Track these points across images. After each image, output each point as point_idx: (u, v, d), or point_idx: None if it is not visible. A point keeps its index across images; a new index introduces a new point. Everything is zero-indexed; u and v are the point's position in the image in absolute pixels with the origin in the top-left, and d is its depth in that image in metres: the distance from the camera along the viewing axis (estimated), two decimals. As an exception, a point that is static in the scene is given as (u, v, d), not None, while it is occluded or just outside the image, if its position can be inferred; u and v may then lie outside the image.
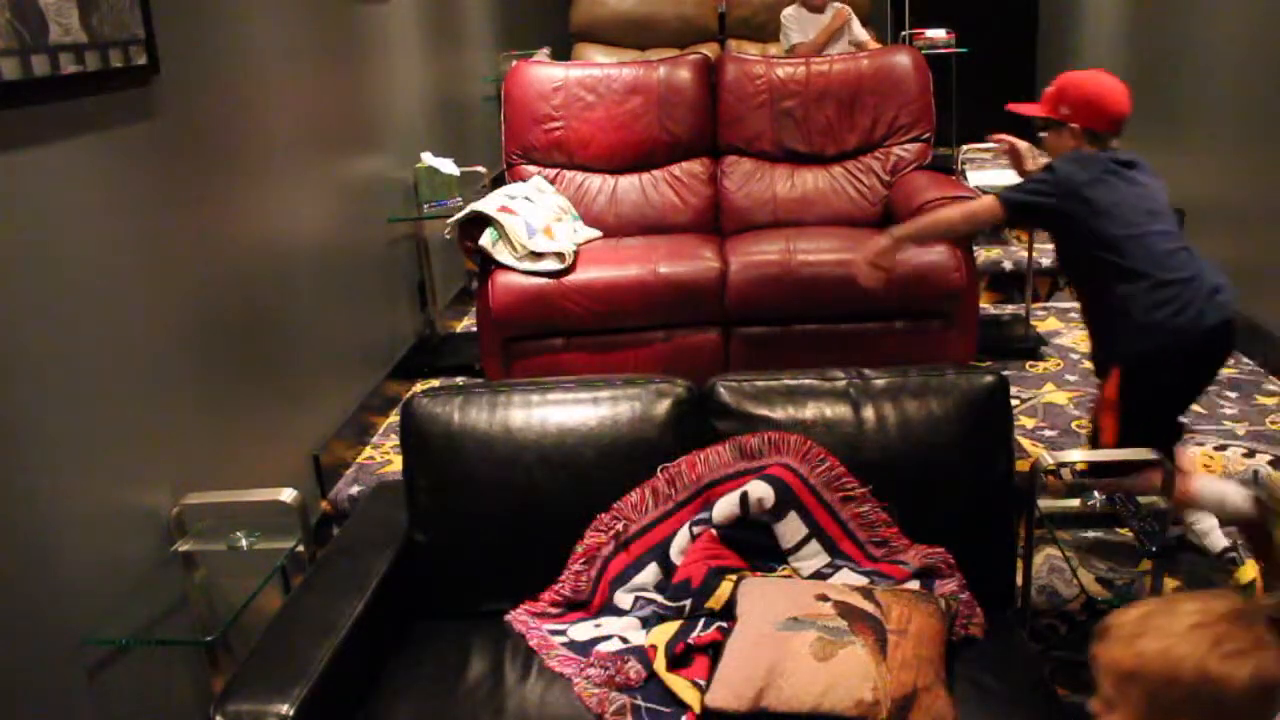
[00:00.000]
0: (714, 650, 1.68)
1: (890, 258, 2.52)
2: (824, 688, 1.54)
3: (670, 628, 1.76)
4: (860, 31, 5.25)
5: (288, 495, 2.12)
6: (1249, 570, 2.30)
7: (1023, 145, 2.64)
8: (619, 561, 1.89)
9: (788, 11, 5.29)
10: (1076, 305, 4.15)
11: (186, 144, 2.21)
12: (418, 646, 1.85)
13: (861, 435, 1.88)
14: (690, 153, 3.70)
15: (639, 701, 1.63)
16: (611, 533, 1.90)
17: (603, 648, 1.77)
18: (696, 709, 1.59)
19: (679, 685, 1.64)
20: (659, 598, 1.85)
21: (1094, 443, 2.39)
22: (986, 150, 4.24)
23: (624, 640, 1.79)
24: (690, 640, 1.69)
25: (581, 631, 1.83)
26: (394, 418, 3.34)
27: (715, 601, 1.76)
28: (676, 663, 1.68)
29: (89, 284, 1.85)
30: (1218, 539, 2.35)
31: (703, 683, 1.62)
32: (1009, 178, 3.67)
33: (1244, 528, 2.33)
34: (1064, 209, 2.29)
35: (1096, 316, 2.36)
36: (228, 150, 2.41)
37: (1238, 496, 2.25)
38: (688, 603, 1.79)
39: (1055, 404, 3.20)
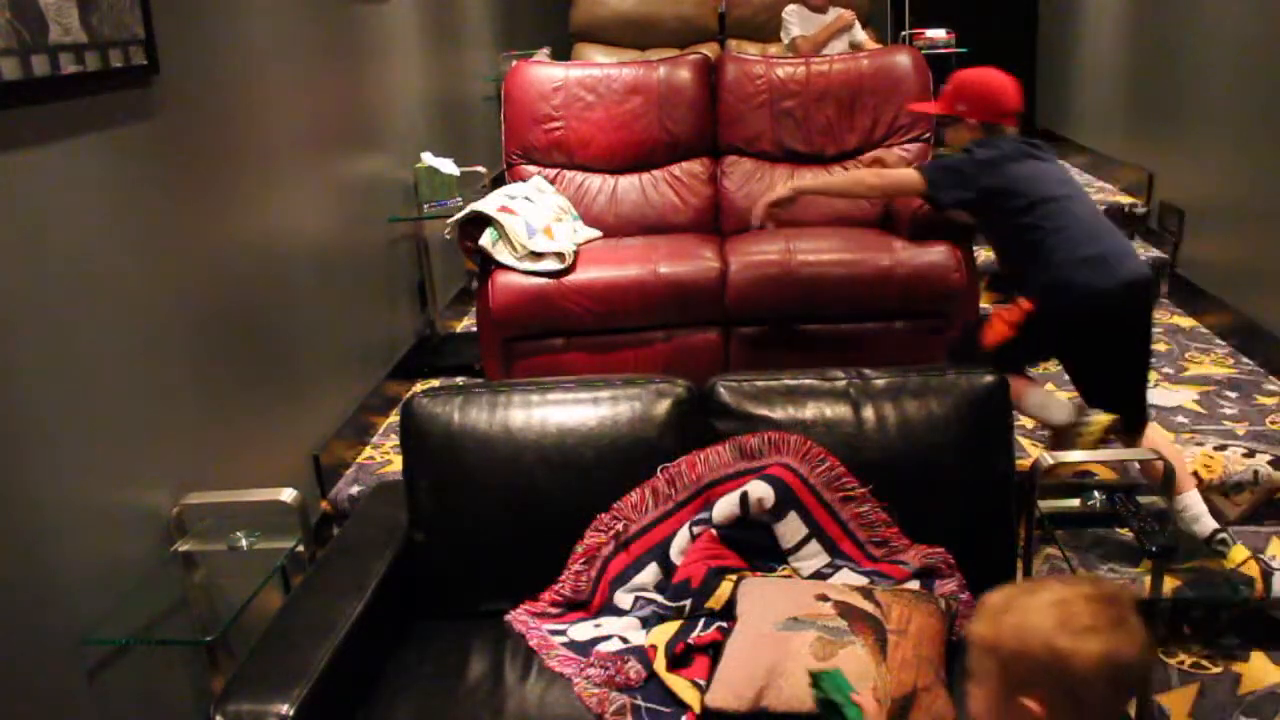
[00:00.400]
0: (714, 650, 1.68)
1: (786, 207, 2.85)
2: (824, 688, 1.54)
3: (670, 628, 1.76)
4: (860, 34, 5.26)
5: (288, 495, 2.12)
6: (1239, 552, 2.33)
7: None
8: (619, 561, 1.89)
9: (789, 8, 5.30)
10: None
11: (186, 144, 2.21)
12: (418, 646, 1.85)
13: (861, 435, 1.88)
14: (690, 153, 3.70)
15: (639, 701, 1.63)
16: (611, 533, 1.90)
17: (603, 648, 1.77)
18: (696, 709, 1.59)
19: (679, 685, 1.64)
20: (659, 598, 1.85)
21: (974, 330, 2.56)
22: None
23: (624, 640, 1.79)
24: (690, 640, 1.69)
25: (581, 631, 1.83)
26: (394, 418, 3.34)
27: (715, 601, 1.76)
28: (676, 663, 1.68)
29: (89, 284, 1.85)
30: (1207, 524, 2.37)
31: (703, 683, 1.62)
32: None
33: (1053, 436, 2.52)
34: (984, 184, 2.49)
35: (1018, 274, 2.49)
36: (227, 150, 2.41)
37: (1060, 410, 2.44)
38: (688, 603, 1.79)
39: (1055, 404, 3.19)
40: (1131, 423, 2.45)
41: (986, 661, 1.18)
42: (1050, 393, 2.55)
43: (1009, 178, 2.47)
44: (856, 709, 1.45)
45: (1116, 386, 2.47)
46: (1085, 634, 1.11)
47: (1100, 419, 2.39)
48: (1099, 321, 2.38)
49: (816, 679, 1.51)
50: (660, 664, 1.69)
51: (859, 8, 5.58)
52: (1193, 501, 2.37)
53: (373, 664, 1.78)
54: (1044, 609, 1.14)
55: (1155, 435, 2.52)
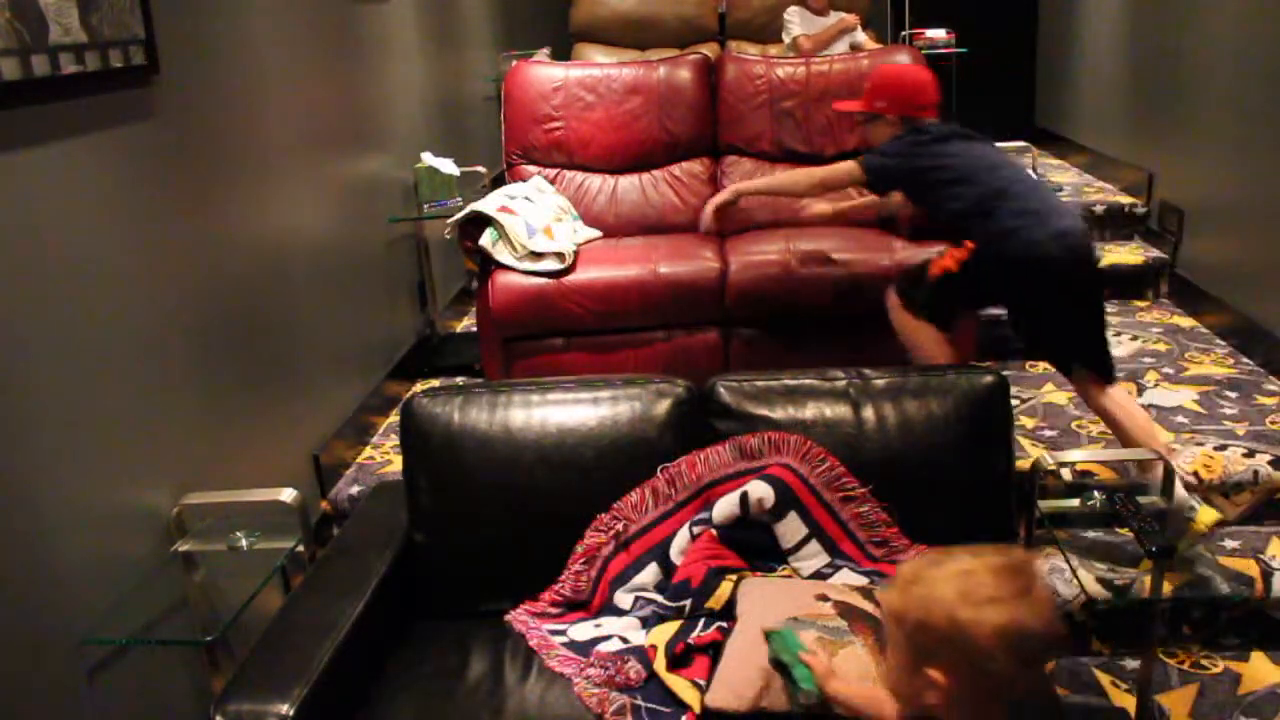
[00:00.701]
0: (714, 650, 1.68)
1: (727, 209, 3.00)
2: (824, 688, 1.54)
3: (670, 628, 1.76)
4: (861, 35, 5.27)
5: (288, 495, 2.12)
6: (1207, 514, 2.37)
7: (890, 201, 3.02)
8: (619, 561, 1.89)
9: (790, 9, 5.32)
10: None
11: (186, 144, 2.21)
12: (418, 646, 1.85)
13: (861, 435, 1.88)
14: (690, 153, 3.70)
15: (639, 701, 1.63)
16: (611, 533, 1.90)
17: (603, 648, 1.77)
18: (696, 709, 1.59)
19: (679, 685, 1.64)
20: (659, 598, 1.85)
21: (922, 265, 2.71)
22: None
23: (624, 640, 1.79)
24: (690, 640, 1.69)
25: (581, 631, 1.84)
26: (394, 418, 3.34)
27: (715, 601, 1.76)
28: (676, 663, 1.68)
29: (89, 284, 1.85)
30: (1180, 495, 2.36)
31: (703, 683, 1.62)
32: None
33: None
34: (916, 164, 2.67)
35: (957, 233, 2.64)
36: (227, 150, 2.41)
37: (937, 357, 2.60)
38: (688, 603, 1.79)
39: (1055, 404, 3.20)
40: (1101, 374, 2.55)
41: (896, 632, 1.19)
42: (939, 342, 2.70)
43: (939, 154, 2.66)
44: (805, 668, 1.45)
45: (1067, 340, 2.57)
46: (986, 605, 1.12)
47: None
48: (1038, 272, 2.49)
49: (768, 637, 1.51)
50: (660, 664, 1.69)
51: (859, 9, 5.59)
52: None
53: (373, 664, 1.78)
54: (947, 580, 1.15)
55: (1119, 395, 2.58)
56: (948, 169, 2.64)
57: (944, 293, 2.64)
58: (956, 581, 1.15)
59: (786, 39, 5.29)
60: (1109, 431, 2.62)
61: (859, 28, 5.26)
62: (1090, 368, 2.55)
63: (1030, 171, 2.83)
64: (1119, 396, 2.57)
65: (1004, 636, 1.10)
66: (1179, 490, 2.34)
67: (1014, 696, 1.16)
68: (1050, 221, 2.49)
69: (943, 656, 1.13)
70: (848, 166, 2.81)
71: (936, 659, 1.14)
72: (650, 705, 1.62)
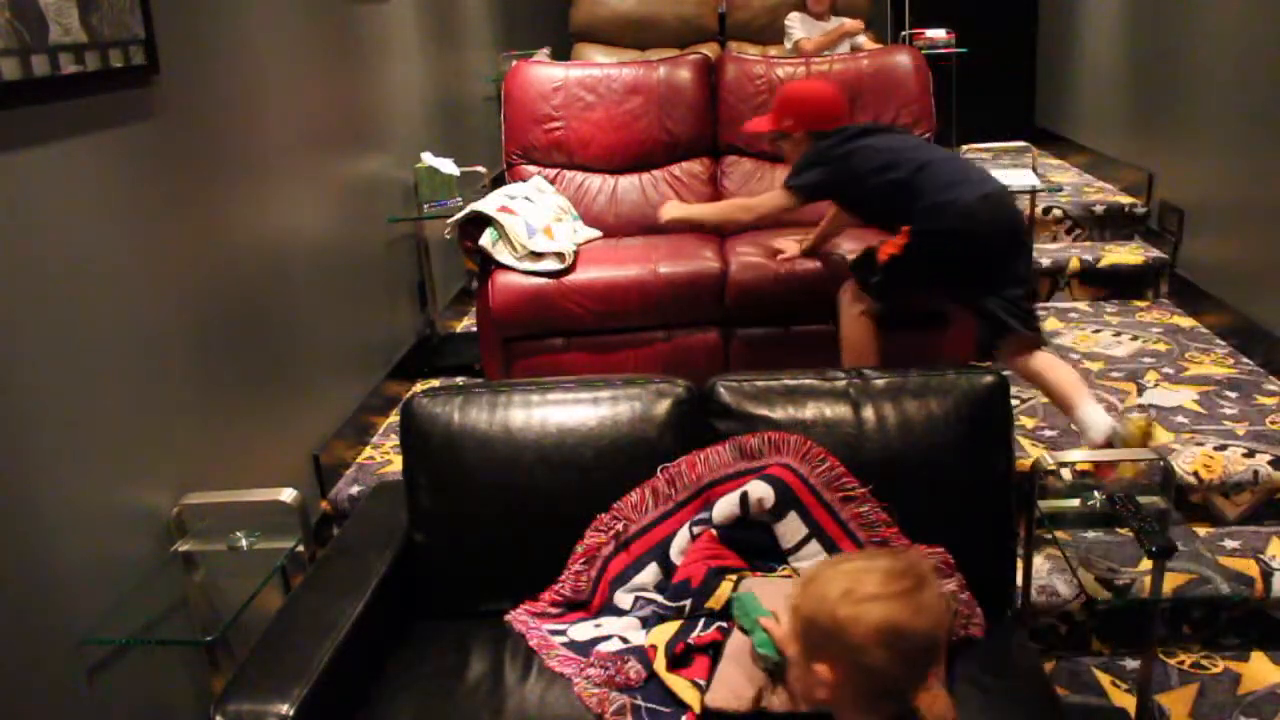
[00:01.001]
0: (714, 650, 1.68)
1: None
2: (824, 688, 1.54)
3: (670, 628, 1.76)
4: (861, 38, 5.27)
5: (288, 495, 2.12)
6: (1138, 423, 2.49)
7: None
8: (619, 561, 1.89)
9: (792, 15, 5.34)
10: (1076, 305, 4.16)
11: (186, 144, 2.21)
12: (418, 646, 1.85)
13: (861, 435, 1.88)
14: (690, 153, 3.70)
15: (639, 701, 1.63)
16: (611, 533, 1.90)
17: (603, 648, 1.77)
18: (696, 709, 1.59)
19: (679, 685, 1.64)
20: (659, 598, 1.85)
21: (870, 251, 2.80)
22: (987, 150, 4.25)
23: (624, 640, 1.79)
24: (690, 640, 1.69)
25: (581, 631, 1.83)
26: (394, 418, 3.34)
27: (715, 601, 1.76)
28: (676, 663, 1.68)
29: (89, 284, 1.85)
30: (1100, 427, 2.51)
31: (703, 682, 1.62)
32: (1008, 177, 3.68)
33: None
34: (840, 164, 2.77)
35: (895, 221, 2.74)
36: (227, 150, 2.41)
37: (1097, 426, 2.53)
38: (688, 603, 1.79)
39: (1055, 404, 3.20)
40: (1032, 332, 2.67)
41: (794, 625, 1.22)
42: (874, 347, 2.80)
43: (857, 148, 2.77)
44: (764, 633, 1.44)
45: (1004, 303, 2.66)
46: (866, 602, 1.15)
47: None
48: (972, 236, 2.64)
49: (731, 601, 1.51)
50: (660, 664, 1.69)
51: (858, 11, 5.59)
52: (1085, 414, 2.54)
53: (373, 664, 1.78)
54: (837, 579, 1.18)
55: (1047, 357, 2.69)
56: (870, 157, 2.75)
57: (894, 277, 2.73)
58: (844, 580, 1.18)
59: (788, 44, 5.30)
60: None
61: (862, 35, 5.28)
62: (1027, 327, 2.64)
63: (944, 149, 2.99)
64: (1047, 358, 2.68)
65: (881, 633, 1.13)
66: (1094, 424, 2.50)
67: (902, 698, 1.18)
68: (975, 188, 2.66)
69: (828, 652, 1.17)
70: (776, 197, 2.90)
71: (823, 654, 1.17)
72: (650, 705, 1.62)
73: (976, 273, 2.67)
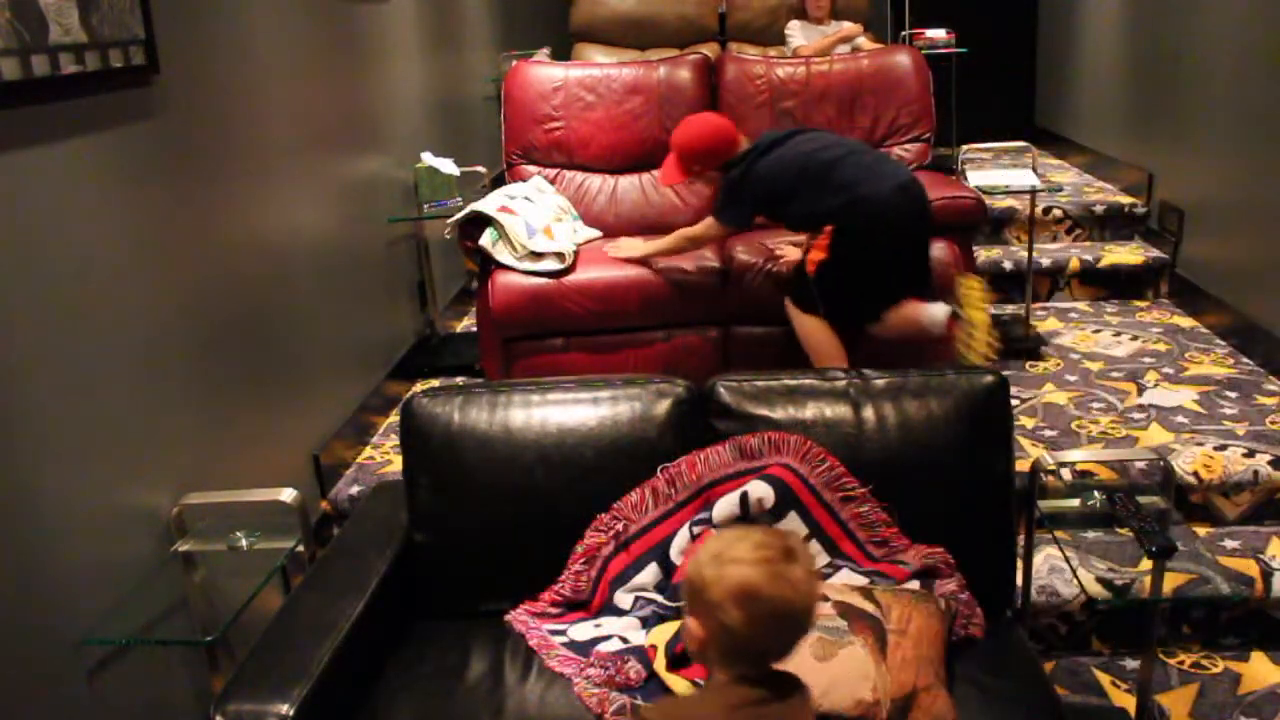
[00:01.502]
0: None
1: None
2: (824, 688, 1.54)
3: (670, 628, 1.76)
4: (862, 40, 5.28)
5: (288, 495, 2.12)
6: (970, 285, 2.77)
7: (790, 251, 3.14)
8: (619, 561, 1.89)
9: (792, 23, 5.37)
10: (1076, 305, 4.17)
11: (186, 144, 2.21)
12: (418, 646, 1.85)
13: (861, 435, 1.88)
14: (690, 153, 3.70)
15: (639, 701, 1.63)
16: (611, 533, 1.90)
17: (603, 648, 1.77)
18: None
19: (679, 685, 1.64)
20: (659, 598, 1.85)
21: (800, 266, 2.91)
22: (987, 150, 4.25)
23: (624, 640, 1.79)
24: None
25: (581, 631, 1.84)
26: (394, 418, 3.34)
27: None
28: (676, 663, 1.68)
29: (89, 284, 1.85)
30: (940, 313, 2.75)
31: (702, 682, 1.62)
32: (1008, 177, 3.68)
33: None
34: (757, 196, 2.89)
35: (816, 222, 2.84)
36: (228, 150, 2.41)
37: (938, 313, 2.78)
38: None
39: (1055, 404, 3.20)
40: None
41: (683, 585, 1.33)
42: (836, 344, 2.87)
43: (766, 170, 2.86)
44: None
45: (906, 285, 2.83)
46: (730, 564, 1.25)
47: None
48: (890, 225, 2.78)
49: None
50: (660, 664, 1.69)
51: (858, 11, 5.59)
52: (927, 313, 2.75)
53: (373, 664, 1.78)
54: (714, 543, 1.29)
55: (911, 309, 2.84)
56: (781, 169, 2.84)
57: (827, 284, 2.82)
58: (718, 544, 1.28)
59: (789, 52, 5.32)
60: (1109, 432, 2.62)
61: (861, 36, 5.29)
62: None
63: (855, 141, 3.12)
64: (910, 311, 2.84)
65: (736, 593, 1.23)
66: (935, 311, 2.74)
67: (758, 661, 1.27)
68: (889, 180, 2.77)
69: (696, 608, 1.27)
70: (711, 227, 2.99)
71: (693, 610, 1.28)
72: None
73: (887, 260, 2.82)
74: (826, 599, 1.68)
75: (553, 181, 3.63)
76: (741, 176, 2.89)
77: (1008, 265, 4.25)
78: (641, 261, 3.15)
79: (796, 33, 5.33)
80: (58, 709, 1.73)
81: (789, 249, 3.14)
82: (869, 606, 1.66)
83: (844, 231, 2.77)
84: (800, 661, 1.56)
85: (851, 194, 2.75)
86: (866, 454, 1.87)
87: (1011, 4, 6.29)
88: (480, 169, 4.03)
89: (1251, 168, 3.49)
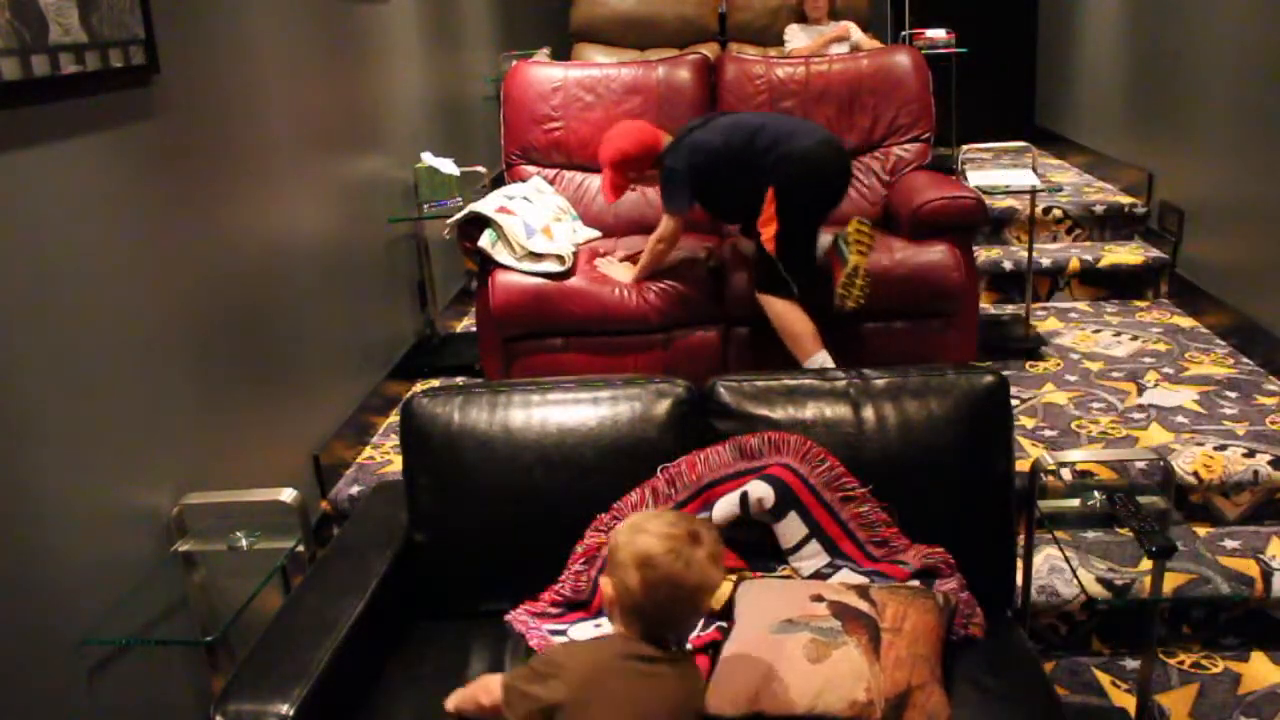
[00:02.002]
0: (713, 649, 1.68)
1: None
2: (818, 689, 1.54)
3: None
4: (858, 34, 5.28)
5: (288, 495, 2.12)
6: (853, 225, 2.96)
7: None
8: (619, 561, 1.89)
9: (790, 26, 5.38)
10: (1076, 305, 4.16)
11: (186, 144, 2.22)
12: (418, 646, 1.85)
13: (861, 435, 1.88)
14: (690, 153, 3.69)
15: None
16: (611, 533, 1.89)
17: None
18: None
19: None
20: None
21: (761, 255, 2.98)
22: (987, 150, 4.25)
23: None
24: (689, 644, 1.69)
25: (581, 631, 1.83)
26: (394, 418, 3.34)
27: (716, 602, 1.76)
28: None
29: (89, 284, 1.86)
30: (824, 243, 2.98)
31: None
32: (1008, 177, 3.68)
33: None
34: (694, 176, 2.99)
35: (757, 188, 2.96)
36: (228, 150, 2.41)
37: (823, 240, 3.04)
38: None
39: (1055, 404, 3.20)
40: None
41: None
42: (807, 317, 2.97)
43: (693, 143, 3.00)
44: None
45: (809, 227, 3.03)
46: (639, 534, 1.44)
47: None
48: (820, 177, 2.98)
49: (729, 602, 1.62)
50: None
51: (857, 12, 5.59)
52: (811, 363, 2.93)
53: (373, 664, 1.78)
54: (638, 516, 1.50)
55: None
56: (707, 144, 2.99)
57: (788, 249, 2.93)
58: (641, 518, 1.49)
59: (786, 54, 5.33)
60: (1109, 432, 2.62)
61: (856, 30, 5.29)
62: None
63: (771, 114, 3.40)
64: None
65: (637, 560, 1.42)
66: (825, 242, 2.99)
67: (653, 625, 1.44)
68: (812, 134, 2.98)
69: (608, 569, 1.48)
70: (667, 221, 3.05)
71: (607, 571, 1.48)
72: None
73: (824, 209, 3.02)
74: (821, 599, 1.68)
75: (552, 181, 3.63)
76: (673, 167, 3.00)
77: (1008, 265, 4.25)
78: (637, 282, 3.16)
79: (793, 37, 5.35)
80: (58, 709, 1.73)
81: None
82: (863, 605, 1.66)
83: (784, 191, 2.90)
84: (794, 663, 1.57)
85: (780, 150, 2.92)
86: (866, 454, 1.87)
87: (1011, 4, 6.29)
88: (480, 169, 4.03)
89: (1251, 168, 3.49)
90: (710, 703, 1.57)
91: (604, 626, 1.83)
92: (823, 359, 2.94)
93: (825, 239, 3.05)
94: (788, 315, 2.96)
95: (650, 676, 1.42)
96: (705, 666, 1.66)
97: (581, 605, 1.90)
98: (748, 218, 3.12)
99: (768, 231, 2.91)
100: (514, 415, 1.95)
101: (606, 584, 1.46)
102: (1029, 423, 3.07)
